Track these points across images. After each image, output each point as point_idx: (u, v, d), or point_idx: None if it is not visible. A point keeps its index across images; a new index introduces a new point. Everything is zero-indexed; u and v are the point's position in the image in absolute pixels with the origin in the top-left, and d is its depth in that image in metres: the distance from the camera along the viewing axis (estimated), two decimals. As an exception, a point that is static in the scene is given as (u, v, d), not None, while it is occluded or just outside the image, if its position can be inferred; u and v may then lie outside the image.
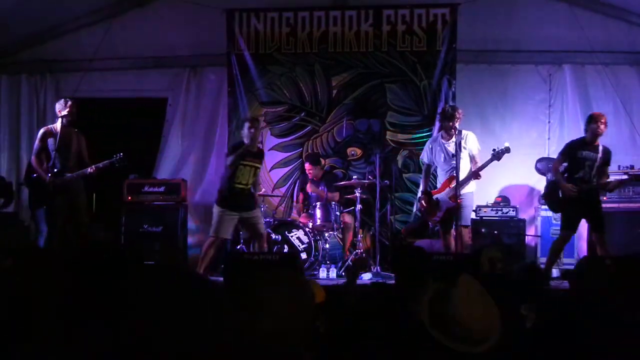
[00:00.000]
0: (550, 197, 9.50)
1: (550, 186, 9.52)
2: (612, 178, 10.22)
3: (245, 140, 9.39)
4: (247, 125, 9.48)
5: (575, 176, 9.14)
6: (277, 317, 1.84)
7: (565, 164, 9.31)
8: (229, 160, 9.49)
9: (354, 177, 11.02)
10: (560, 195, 9.24)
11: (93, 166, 9.26)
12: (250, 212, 9.60)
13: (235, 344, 1.69)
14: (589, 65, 11.33)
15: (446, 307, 2.79)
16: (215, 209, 9.55)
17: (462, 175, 9.28)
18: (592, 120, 9.13)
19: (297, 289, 2.23)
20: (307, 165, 11.04)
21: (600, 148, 9.11)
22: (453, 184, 9.18)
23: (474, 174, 9.29)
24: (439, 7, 11.35)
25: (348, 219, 10.88)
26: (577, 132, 10.42)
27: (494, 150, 9.14)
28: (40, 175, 9.17)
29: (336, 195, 10.86)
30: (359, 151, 11.54)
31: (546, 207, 9.99)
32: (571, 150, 9.25)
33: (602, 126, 9.05)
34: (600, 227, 9.07)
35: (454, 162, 9.15)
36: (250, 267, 8.06)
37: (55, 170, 9.14)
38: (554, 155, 10.14)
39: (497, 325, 2.80)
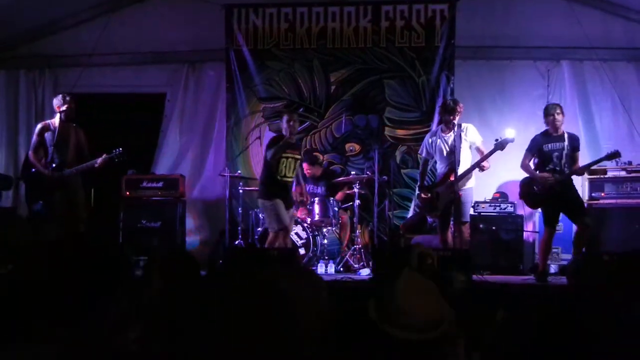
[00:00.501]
0: (526, 194, 9.51)
1: (524, 184, 9.51)
2: (609, 174, 10.29)
3: (284, 133, 9.40)
4: (285, 118, 9.50)
5: (545, 169, 9.17)
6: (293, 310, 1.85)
7: (536, 160, 9.33)
8: (270, 153, 9.44)
9: (352, 172, 11.04)
10: (536, 190, 9.25)
11: (97, 160, 9.27)
12: (291, 209, 9.68)
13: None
14: (587, 61, 11.34)
15: (390, 300, 2.86)
16: (267, 203, 9.48)
17: (463, 168, 9.28)
18: (547, 113, 9.22)
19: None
20: (305, 165, 11.04)
21: (566, 136, 9.14)
22: (453, 178, 9.17)
23: (478, 165, 9.27)
24: (437, 3, 11.36)
25: (346, 215, 10.92)
26: (575, 128, 10.44)
27: (497, 140, 9.14)
28: (39, 170, 9.18)
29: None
30: (357, 147, 11.55)
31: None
32: (536, 145, 9.30)
33: (558, 117, 9.12)
34: (580, 217, 9.06)
35: (454, 155, 9.15)
36: (250, 262, 8.07)
37: (54, 165, 9.16)
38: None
39: (447, 311, 2.89)
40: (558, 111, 9.13)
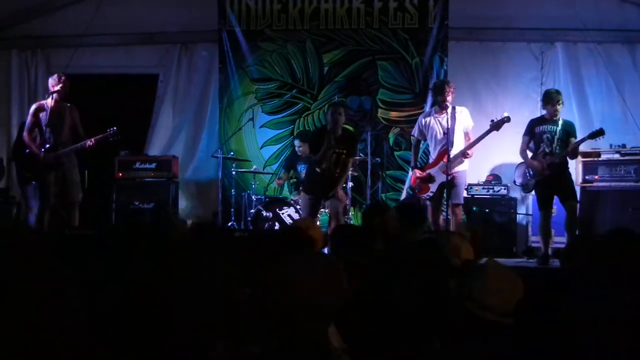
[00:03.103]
0: (521, 179, 9.56)
1: (519, 169, 9.56)
2: (603, 157, 10.28)
3: (329, 126, 9.32)
4: (330, 110, 9.41)
5: (538, 152, 9.22)
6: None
7: (532, 146, 9.36)
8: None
9: (345, 154, 11.02)
10: (529, 177, 9.30)
11: (92, 139, 9.22)
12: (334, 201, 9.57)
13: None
14: (581, 43, 11.27)
15: (478, 282, 3.00)
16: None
17: (456, 150, 9.26)
18: (549, 101, 9.25)
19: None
20: (296, 142, 11.03)
21: (560, 122, 9.19)
22: (447, 159, 9.16)
23: (463, 153, 9.27)
24: (430, -17, 11.32)
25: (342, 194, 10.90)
26: (569, 110, 10.42)
27: (492, 120, 9.15)
28: (33, 151, 9.14)
29: None
30: (350, 129, 11.51)
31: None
32: (531, 127, 9.38)
33: (559, 106, 9.20)
34: (568, 200, 9.10)
35: (448, 137, 9.13)
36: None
37: (48, 145, 9.12)
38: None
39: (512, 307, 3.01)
40: (560, 101, 9.18)
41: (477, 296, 2.94)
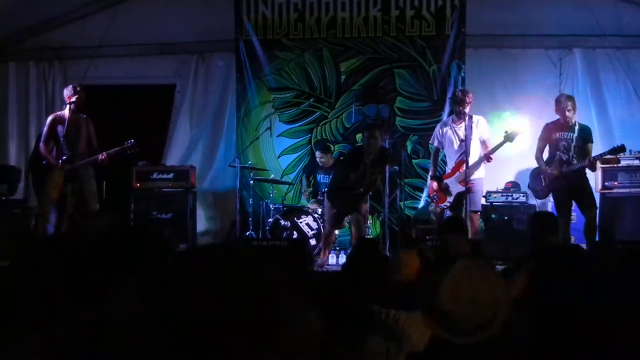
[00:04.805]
0: (534, 184, 9.51)
1: (533, 174, 9.52)
2: (623, 163, 10.19)
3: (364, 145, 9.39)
4: (365, 134, 9.45)
5: (554, 159, 9.15)
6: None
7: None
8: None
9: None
10: (544, 183, 9.25)
11: (104, 153, 9.24)
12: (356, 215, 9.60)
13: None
14: (600, 49, 11.23)
15: (433, 299, 2.63)
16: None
17: (473, 159, 9.23)
18: (558, 105, 9.19)
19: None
20: (318, 154, 11.02)
21: (577, 127, 9.09)
22: (463, 168, 9.14)
23: (486, 157, 9.26)
24: (447, -9, 11.29)
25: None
26: (588, 117, 10.36)
27: (506, 132, 9.11)
28: (50, 162, 9.16)
29: None
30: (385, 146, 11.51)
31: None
32: (546, 132, 9.30)
33: (569, 113, 9.10)
34: (587, 208, 9.03)
35: (465, 146, 9.11)
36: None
37: (64, 157, 9.13)
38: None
39: (506, 303, 2.62)
40: (569, 107, 9.09)
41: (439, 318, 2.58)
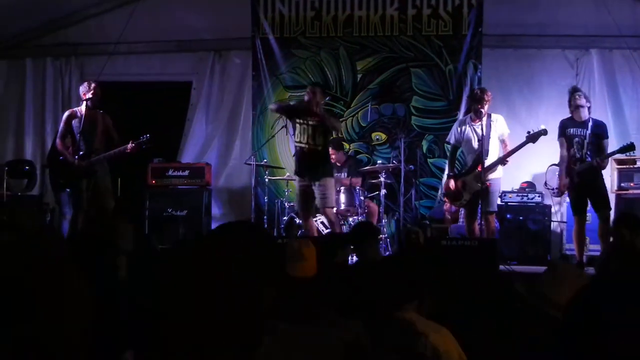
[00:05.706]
0: (551, 182, 9.51)
1: (551, 171, 9.53)
2: (639, 164, 10.16)
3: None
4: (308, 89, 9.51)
5: (569, 155, 9.08)
6: None
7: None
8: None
9: (378, 162, 10.97)
10: (557, 184, 9.25)
11: (132, 141, 9.24)
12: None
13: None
14: (617, 50, 11.20)
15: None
16: None
17: (491, 159, 9.16)
18: (568, 98, 9.15)
19: None
20: (330, 150, 11.00)
21: (590, 124, 9.00)
22: (481, 167, 9.09)
23: (502, 160, 9.17)
24: (464, -10, 11.28)
25: (372, 204, 10.84)
26: (604, 118, 10.31)
27: (528, 132, 9.04)
28: (67, 158, 9.18)
29: (359, 180, 10.79)
30: (383, 136, 11.51)
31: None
32: (562, 128, 9.21)
33: (576, 101, 9.02)
34: (601, 210, 8.96)
35: (483, 145, 9.06)
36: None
37: (81, 152, 9.16)
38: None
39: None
40: (576, 96, 9.02)
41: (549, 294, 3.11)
